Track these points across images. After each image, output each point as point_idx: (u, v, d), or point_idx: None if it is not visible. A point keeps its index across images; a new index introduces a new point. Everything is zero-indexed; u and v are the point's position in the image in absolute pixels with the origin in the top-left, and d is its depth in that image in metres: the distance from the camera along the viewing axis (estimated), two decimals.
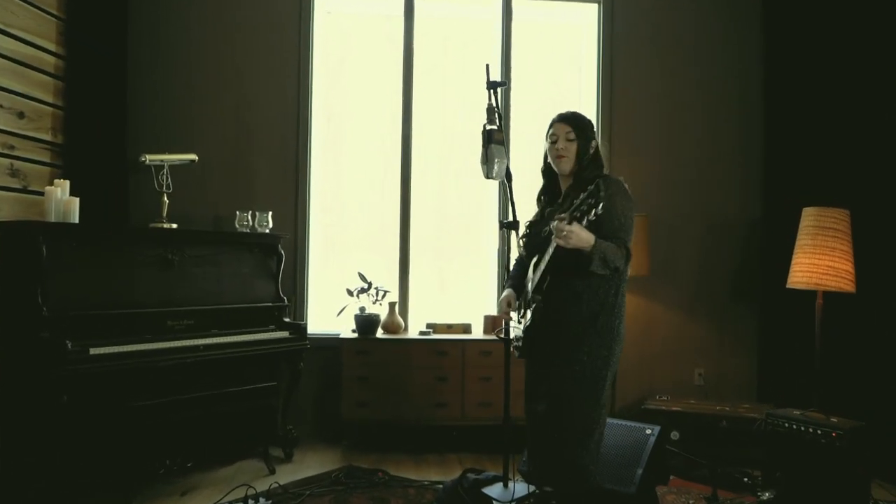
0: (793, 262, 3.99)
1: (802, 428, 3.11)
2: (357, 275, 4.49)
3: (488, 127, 2.50)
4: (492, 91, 2.54)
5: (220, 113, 4.61)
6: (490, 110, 2.52)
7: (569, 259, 2.45)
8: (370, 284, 4.44)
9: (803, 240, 3.93)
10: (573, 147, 2.66)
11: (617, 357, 2.62)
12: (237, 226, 4.24)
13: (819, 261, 3.83)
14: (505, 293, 2.87)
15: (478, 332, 4.63)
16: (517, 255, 2.96)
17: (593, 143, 2.70)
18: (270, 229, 4.31)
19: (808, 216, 3.95)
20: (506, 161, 2.55)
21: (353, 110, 5.03)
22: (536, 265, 2.64)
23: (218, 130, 4.60)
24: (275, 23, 4.67)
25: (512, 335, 2.93)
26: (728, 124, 4.91)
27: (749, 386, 4.88)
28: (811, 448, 3.11)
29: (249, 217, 4.27)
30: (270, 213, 4.33)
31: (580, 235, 2.39)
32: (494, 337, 4.47)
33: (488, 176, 2.52)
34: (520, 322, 2.80)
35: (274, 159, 4.67)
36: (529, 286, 2.67)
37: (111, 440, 3.34)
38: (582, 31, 5.07)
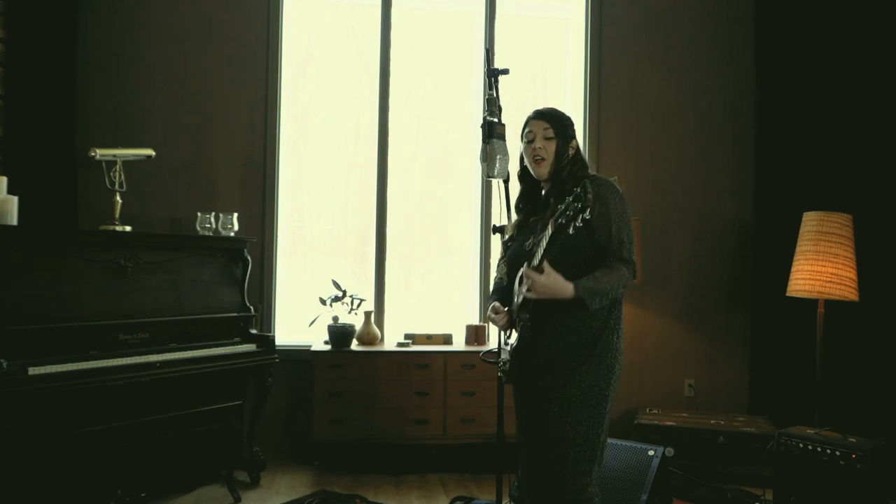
0: (793, 269, 3.79)
1: (819, 448, 2.88)
2: (331, 282, 4.15)
3: (489, 119, 2.19)
4: (492, 79, 2.24)
5: (181, 104, 4.23)
6: (491, 101, 2.22)
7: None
8: (345, 292, 4.11)
9: (805, 245, 3.73)
10: (552, 147, 2.35)
11: (618, 375, 2.34)
12: (199, 228, 3.87)
13: (822, 268, 3.62)
14: (492, 303, 2.54)
15: (459, 343, 4.33)
16: (497, 275, 2.63)
17: (573, 142, 2.41)
18: (236, 232, 3.95)
19: (810, 221, 3.75)
20: (508, 157, 2.25)
21: (325, 105, 4.69)
22: (521, 280, 2.34)
23: (178, 123, 4.22)
24: (242, 9, 4.30)
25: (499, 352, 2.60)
26: (720, 126, 4.70)
27: (740, 397, 4.68)
28: (829, 470, 2.89)
29: (212, 219, 3.90)
30: (236, 215, 3.97)
31: (545, 284, 2.11)
32: (478, 349, 4.18)
33: (489, 174, 2.22)
34: (505, 343, 2.49)
35: (240, 156, 4.31)
36: (516, 301, 2.37)
37: (55, 470, 2.96)
38: (569, 25, 4.82)
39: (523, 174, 2.49)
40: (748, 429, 3.91)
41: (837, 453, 2.85)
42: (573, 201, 1.96)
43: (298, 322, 4.36)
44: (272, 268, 4.35)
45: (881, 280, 3.67)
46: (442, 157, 4.87)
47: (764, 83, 4.57)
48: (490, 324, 2.56)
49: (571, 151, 2.37)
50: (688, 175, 4.68)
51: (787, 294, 3.80)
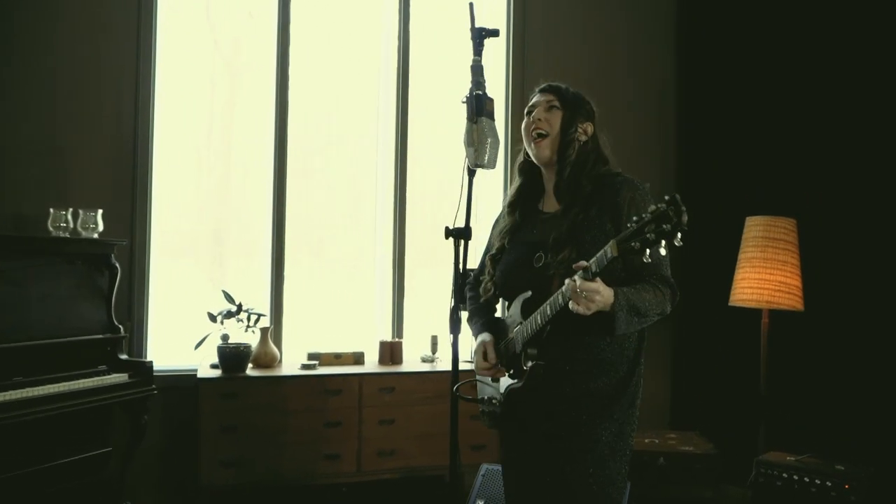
0: (737, 276, 3.56)
1: (806, 479, 2.60)
2: (221, 294, 3.46)
3: (476, 93, 1.69)
4: (478, 42, 1.73)
5: (25, 75, 3.37)
6: (476, 69, 1.71)
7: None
8: (240, 306, 3.44)
9: (750, 252, 3.51)
10: (555, 118, 1.90)
11: (637, 418, 1.92)
12: (51, 228, 3.07)
13: (770, 276, 3.42)
14: (480, 339, 2.01)
15: (372, 363, 3.77)
16: (481, 286, 2.11)
17: (588, 126, 1.96)
18: (100, 233, 3.18)
19: (755, 226, 3.54)
20: (500, 142, 1.76)
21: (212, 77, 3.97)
22: (528, 305, 1.86)
23: (20, 98, 3.36)
24: None
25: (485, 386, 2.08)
26: (645, 129, 4.45)
27: (661, 411, 4.45)
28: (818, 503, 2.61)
29: (69, 217, 3.11)
30: (100, 212, 3.20)
31: (604, 294, 1.64)
32: (394, 369, 3.65)
33: (477, 163, 1.71)
34: (495, 380, 2.00)
35: (103, 140, 3.51)
36: (517, 332, 1.89)
37: None
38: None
39: (524, 166, 2.01)
40: (687, 447, 3.65)
41: (828, 483, 2.59)
42: (656, 220, 1.46)
43: (180, 341, 3.63)
44: (145, 277, 3.59)
45: (823, 288, 3.51)
46: (346, 145, 4.27)
47: (687, 78, 4.39)
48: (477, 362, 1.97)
49: (583, 137, 1.92)
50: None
51: (731, 304, 3.57)
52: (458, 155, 4.29)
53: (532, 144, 1.93)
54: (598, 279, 1.62)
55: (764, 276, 3.44)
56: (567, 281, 1.64)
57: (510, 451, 1.99)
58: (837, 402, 3.47)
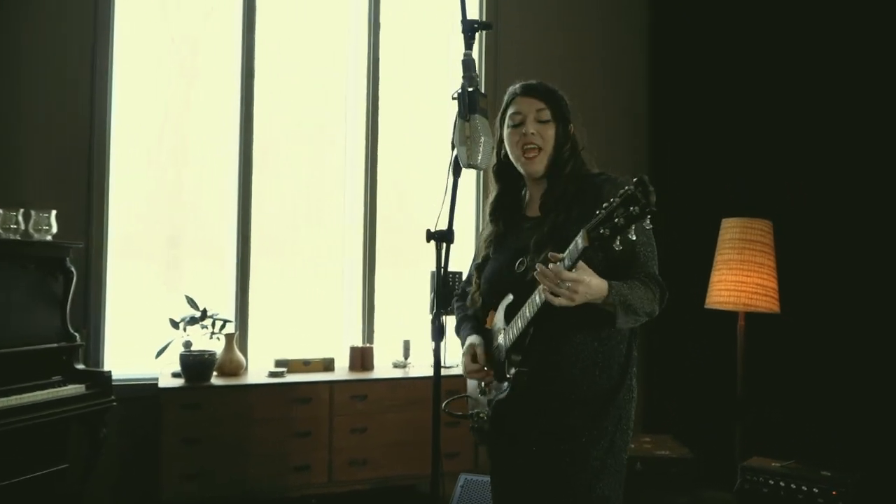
0: (713, 279, 3.53)
1: (793, 485, 2.57)
2: (182, 298, 3.30)
3: (469, 89, 1.59)
4: (468, 35, 1.62)
5: None
6: (468, 63, 1.61)
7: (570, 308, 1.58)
8: (204, 312, 3.28)
9: (727, 254, 3.48)
10: (549, 133, 1.78)
11: (631, 431, 1.84)
12: (1, 230, 2.88)
13: (747, 278, 3.39)
14: (469, 341, 1.90)
15: (343, 369, 3.65)
16: (468, 297, 1.99)
17: (571, 126, 1.86)
18: (54, 235, 2.99)
19: (731, 228, 3.51)
20: (493, 140, 1.67)
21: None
22: (511, 310, 1.77)
23: None
24: None
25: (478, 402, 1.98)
26: (615, 122, 4.40)
27: (635, 414, 4.40)
28: None
29: (20, 218, 2.92)
30: (54, 213, 3.01)
31: (590, 285, 1.54)
32: (365, 376, 3.53)
33: (470, 162, 1.60)
34: (482, 392, 1.90)
35: (57, 136, 3.32)
36: (501, 339, 1.79)
37: None
38: None
39: (501, 170, 1.90)
40: (662, 451, 3.61)
41: (815, 490, 2.55)
42: (624, 203, 1.37)
43: (137, 347, 3.45)
44: (101, 281, 3.41)
45: (799, 290, 3.50)
46: (313, 139, 4.12)
47: (660, 78, 4.37)
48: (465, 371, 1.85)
49: (570, 139, 1.83)
50: None
51: (707, 306, 3.54)
52: (434, 150, 4.25)
53: (523, 158, 1.81)
54: (583, 267, 1.52)
55: (741, 278, 3.41)
56: (538, 266, 1.54)
57: (499, 466, 1.89)
58: (816, 404, 3.46)
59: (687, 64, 4.23)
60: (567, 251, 1.52)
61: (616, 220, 1.39)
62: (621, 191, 1.39)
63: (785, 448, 3.00)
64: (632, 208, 1.36)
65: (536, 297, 1.62)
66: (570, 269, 1.51)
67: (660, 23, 4.45)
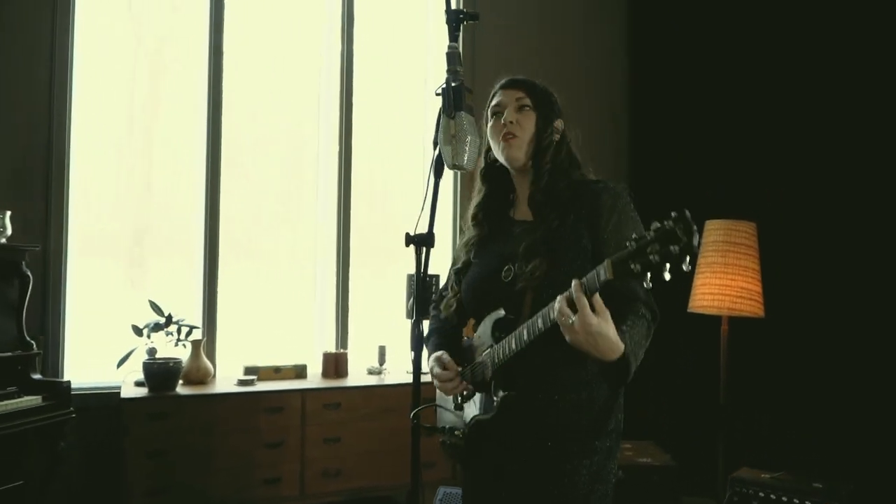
0: (696, 282, 3.46)
1: (785, 498, 2.49)
2: (148, 304, 3.15)
3: (453, 84, 1.48)
4: (453, 27, 1.52)
5: None
6: (453, 57, 1.50)
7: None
8: (169, 318, 3.13)
9: (711, 257, 3.41)
10: (528, 121, 1.69)
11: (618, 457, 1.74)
12: None
13: (732, 282, 3.33)
14: (434, 355, 1.77)
15: (315, 377, 3.52)
16: (443, 302, 1.88)
17: (558, 123, 1.76)
18: (9, 238, 2.83)
19: (715, 230, 3.44)
20: (480, 140, 1.56)
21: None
22: (501, 325, 1.65)
23: None
24: None
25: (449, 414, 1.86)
26: (595, 123, 4.33)
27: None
28: None
29: None
30: (9, 214, 2.85)
31: (608, 338, 1.41)
32: (339, 384, 3.41)
33: (455, 162, 1.50)
34: (458, 407, 1.79)
35: (11, 135, 3.15)
36: (486, 356, 1.68)
37: None
38: None
39: (489, 171, 1.80)
40: (644, 459, 3.54)
41: (808, 503, 2.47)
42: (660, 239, 1.25)
43: (97, 354, 3.30)
44: (60, 286, 3.24)
45: (783, 293, 3.46)
46: (285, 140, 3.99)
47: (641, 79, 4.32)
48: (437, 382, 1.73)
49: (556, 136, 1.72)
50: None
51: (690, 310, 3.48)
52: (410, 147, 4.13)
53: (502, 143, 1.71)
54: (600, 304, 1.39)
55: (725, 281, 3.35)
56: (558, 304, 1.43)
57: (476, 490, 1.78)
58: (802, 411, 3.42)
59: (668, 64, 4.17)
60: (585, 280, 1.39)
61: (651, 256, 1.26)
62: (657, 225, 1.27)
63: (773, 457, 2.94)
64: (672, 247, 1.23)
65: (539, 322, 1.50)
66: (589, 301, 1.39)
67: (640, 25, 4.39)
